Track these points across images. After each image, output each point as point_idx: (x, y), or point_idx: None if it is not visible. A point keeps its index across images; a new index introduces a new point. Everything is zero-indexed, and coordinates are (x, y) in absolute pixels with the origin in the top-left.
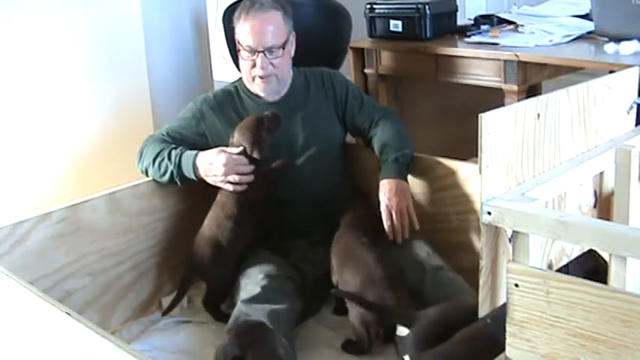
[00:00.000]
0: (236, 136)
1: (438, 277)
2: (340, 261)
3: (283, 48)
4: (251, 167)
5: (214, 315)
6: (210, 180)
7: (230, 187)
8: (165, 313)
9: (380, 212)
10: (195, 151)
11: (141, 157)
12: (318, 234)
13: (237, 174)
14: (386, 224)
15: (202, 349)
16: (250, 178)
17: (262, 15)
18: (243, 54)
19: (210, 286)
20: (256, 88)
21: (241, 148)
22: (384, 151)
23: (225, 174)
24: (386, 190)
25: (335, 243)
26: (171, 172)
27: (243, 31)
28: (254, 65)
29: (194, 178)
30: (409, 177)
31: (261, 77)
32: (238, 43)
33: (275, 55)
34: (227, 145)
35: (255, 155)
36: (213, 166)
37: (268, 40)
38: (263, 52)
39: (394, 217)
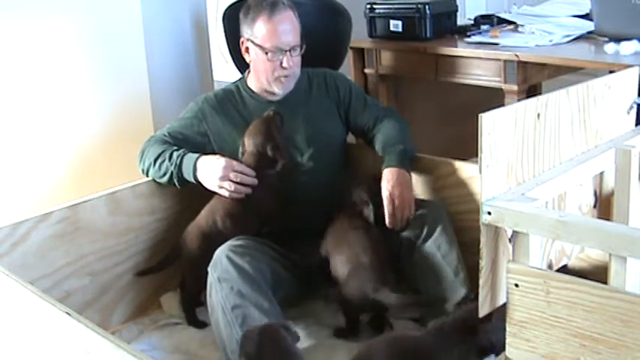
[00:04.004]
0: (248, 142)
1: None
2: (332, 246)
3: (300, 46)
4: (253, 180)
5: (188, 317)
6: (206, 182)
7: (225, 193)
8: (139, 274)
9: (381, 199)
10: (198, 154)
11: (142, 157)
12: (317, 231)
13: (236, 182)
14: (387, 212)
15: (202, 349)
16: (247, 190)
17: (284, 15)
18: (268, 55)
19: (188, 280)
20: (276, 87)
21: (244, 161)
22: (387, 143)
23: (221, 178)
24: (389, 179)
25: (329, 227)
26: (171, 173)
27: (268, 32)
28: (278, 66)
29: (192, 180)
30: None
31: (285, 76)
32: (258, 46)
33: (297, 54)
34: (228, 144)
35: (276, 156)
36: (212, 169)
37: (292, 40)
38: (289, 51)
39: (396, 204)
